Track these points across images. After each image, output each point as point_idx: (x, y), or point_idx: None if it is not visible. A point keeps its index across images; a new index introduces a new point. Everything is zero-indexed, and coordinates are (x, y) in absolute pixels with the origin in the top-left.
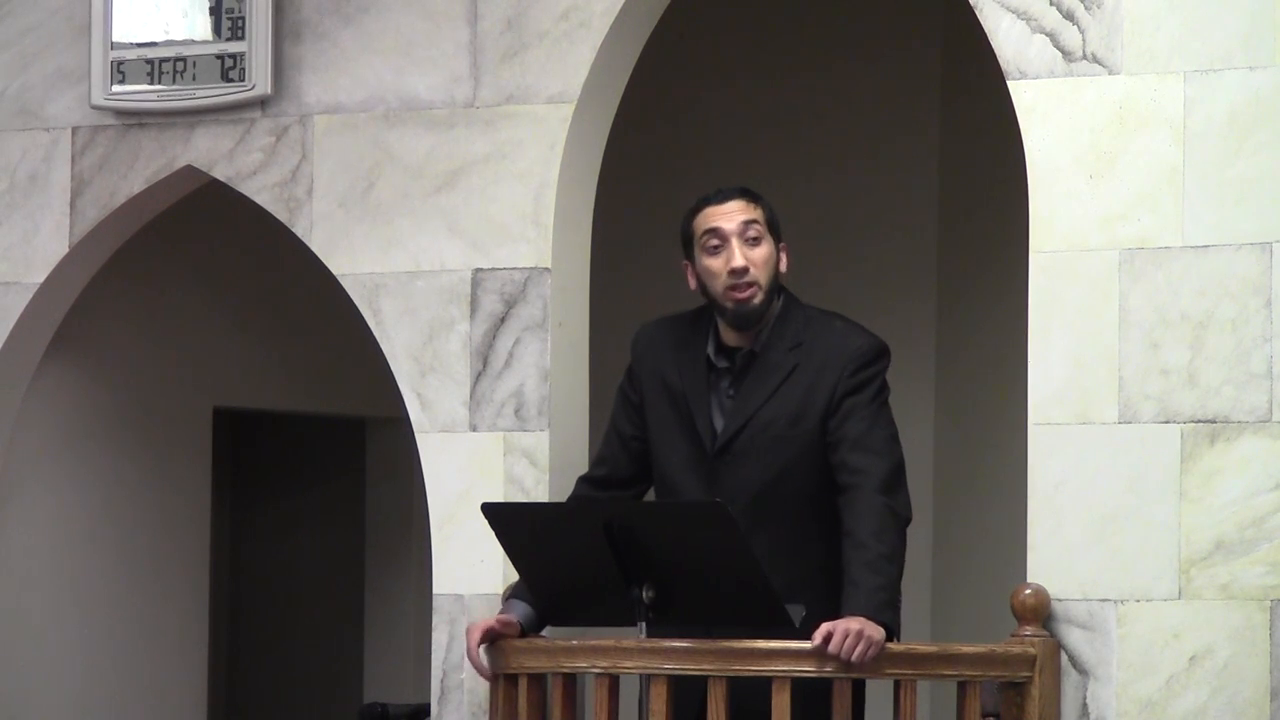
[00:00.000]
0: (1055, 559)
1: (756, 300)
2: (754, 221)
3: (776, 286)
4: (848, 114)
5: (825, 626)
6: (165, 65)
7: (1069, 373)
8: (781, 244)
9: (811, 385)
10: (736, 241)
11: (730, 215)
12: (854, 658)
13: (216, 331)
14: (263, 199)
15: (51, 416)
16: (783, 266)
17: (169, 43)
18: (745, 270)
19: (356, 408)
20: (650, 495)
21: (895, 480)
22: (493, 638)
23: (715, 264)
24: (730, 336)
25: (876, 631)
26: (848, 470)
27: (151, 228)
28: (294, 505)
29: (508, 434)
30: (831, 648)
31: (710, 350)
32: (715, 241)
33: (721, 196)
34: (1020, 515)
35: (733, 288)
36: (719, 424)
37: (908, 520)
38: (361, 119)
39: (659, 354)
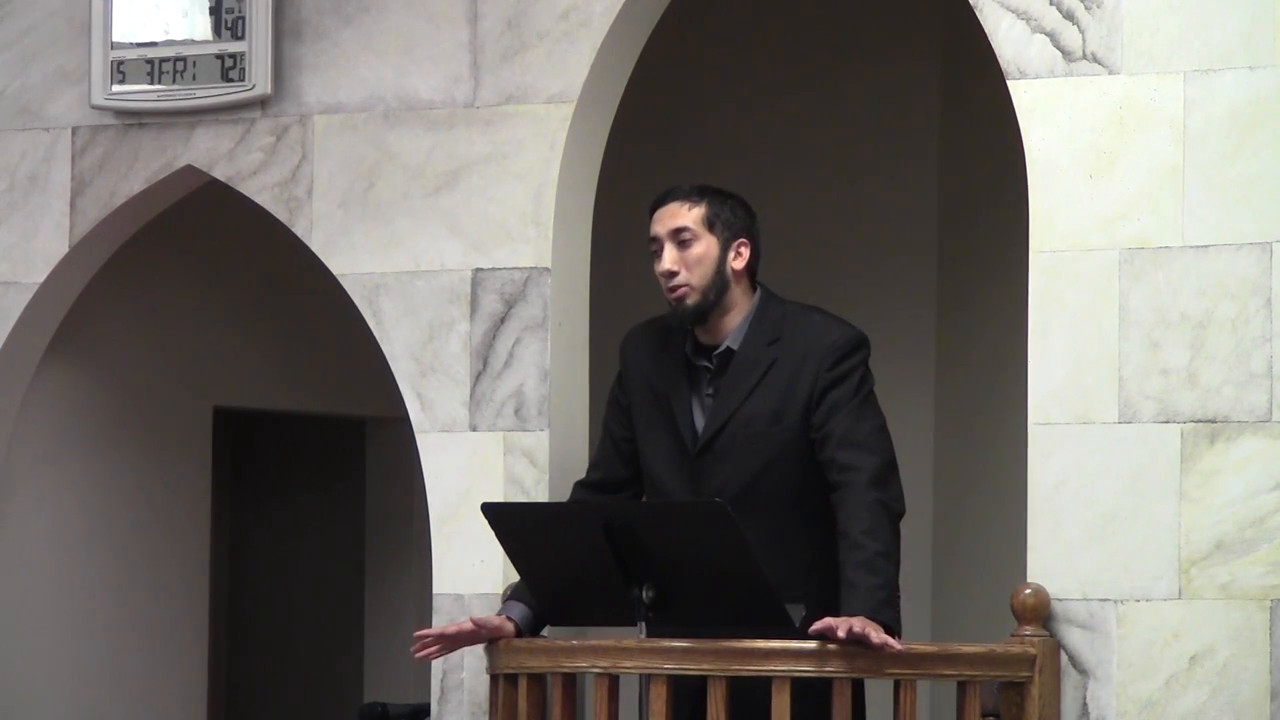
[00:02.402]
0: (1055, 559)
1: (690, 300)
2: (685, 226)
3: (721, 284)
4: (848, 114)
5: (826, 620)
6: (165, 65)
7: (1069, 373)
8: (738, 240)
9: (791, 380)
10: (669, 245)
11: (663, 220)
12: (872, 640)
13: (216, 331)
14: (263, 199)
15: (51, 416)
16: (736, 263)
17: (169, 43)
18: (672, 274)
19: (356, 408)
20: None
21: (886, 474)
22: (488, 638)
23: (656, 268)
24: (703, 335)
25: (875, 624)
26: (837, 467)
27: (151, 228)
28: (294, 505)
29: (508, 434)
30: (840, 631)
31: (688, 350)
32: (654, 247)
33: (660, 200)
34: (1020, 515)
35: (667, 290)
36: (700, 423)
37: (901, 513)
38: (361, 119)
39: (644, 356)
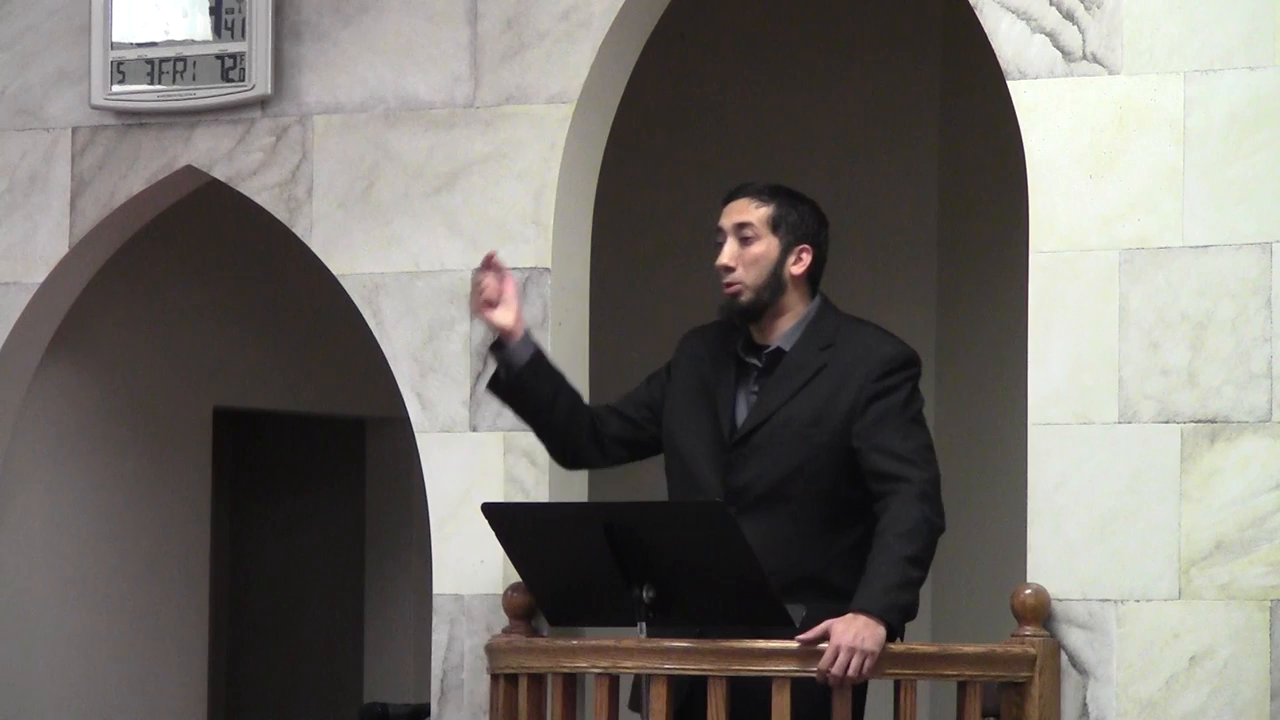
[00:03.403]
0: (1055, 559)
1: (742, 298)
2: (748, 223)
3: (776, 286)
4: (847, 114)
5: (824, 625)
6: (165, 65)
7: (1069, 373)
8: (801, 246)
9: (837, 388)
10: (731, 239)
11: (730, 214)
12: (851, 673)
13: (216, 331)
14: (263, 199)
15: (51, 417)
16: (795, 269)
17: (169, 43)
18: (728, 269)
19: (356, 408)
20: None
21: (933, 491)
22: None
23: (716, 260)
24: (757, 334)
25: (874, 639)
26: (886, 479)
27: (151, 228)
28: (294, 505)
29: (508, 434)
30: (822, 665)
31: (739, 347)
32: (718, 238)
33: (732, 193)
34: (1020, 515)
35: (722, 284)
36: (741, 417)
37: (942, 530)
38: (361, 119)
39: (700, 347)
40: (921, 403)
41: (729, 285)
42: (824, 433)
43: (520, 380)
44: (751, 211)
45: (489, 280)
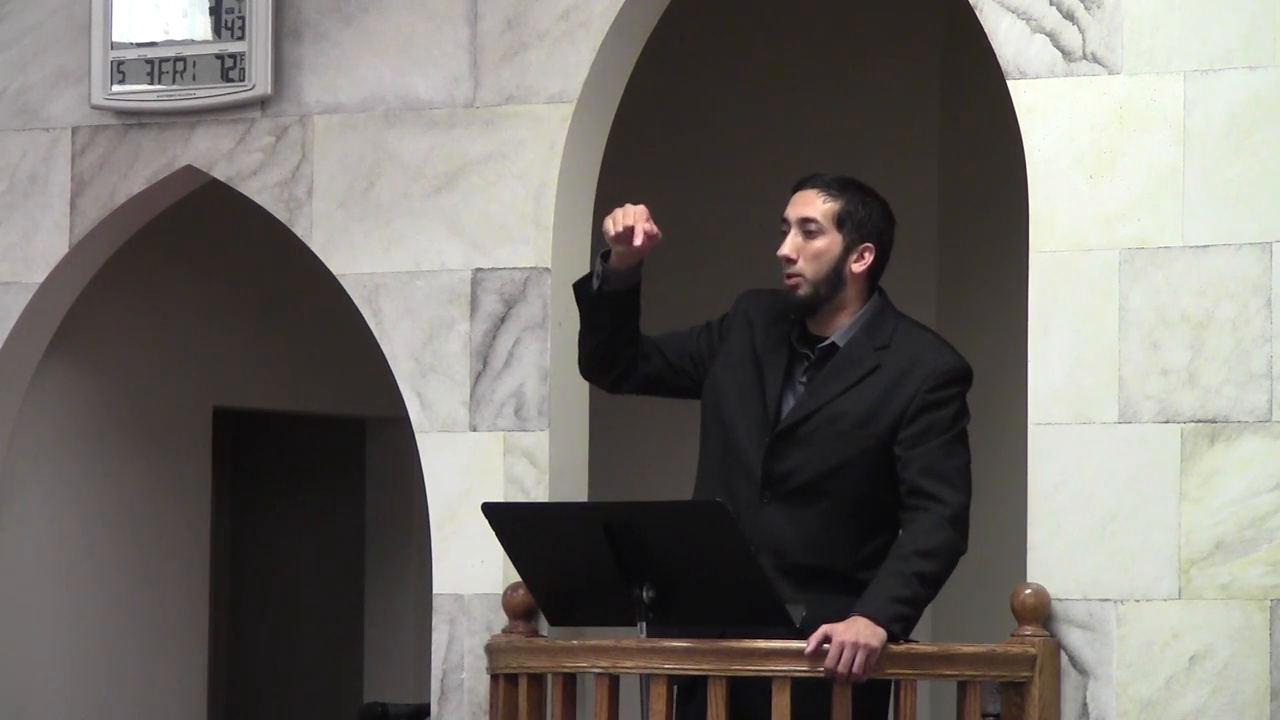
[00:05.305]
0: (1055, 559)
1: (800, 291)
2: (812, 218)
3: (835, 282)
4: (848, 114)
5: (824, 630)
6: (165, 65)
7: (1069, 373)
8: (864, 244)
9: (888, 390)
10: (794, 231)
11: (796, 205)
12: (855, 669)
13: (216, 331)
14: (263, 199)
15: (51, 416)
16: (856, 265)
17: (169, 43)
18: (789, 261)
19: (356, 408)
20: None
21: (963, 515)
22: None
23: (778, 250)
24: (812, 325)
25: (875, 637)
26: (920, 494)
27: (151, 228)
28: (294, 505)
29: (508, 434)
30: (828, 663)
31: (794, 334)
32: (783, 228)
33: (801, 183)
34: (1020, 515)
35: (784, 275)
36: (787, 405)
37: (962, 553)
38: (361, 119)
39: (758, 315)
40: (968, 419)
41: (788, 277)
42: (871, 434)
43: (601, 300)
44: (818, 205)
45: (640, 232)
